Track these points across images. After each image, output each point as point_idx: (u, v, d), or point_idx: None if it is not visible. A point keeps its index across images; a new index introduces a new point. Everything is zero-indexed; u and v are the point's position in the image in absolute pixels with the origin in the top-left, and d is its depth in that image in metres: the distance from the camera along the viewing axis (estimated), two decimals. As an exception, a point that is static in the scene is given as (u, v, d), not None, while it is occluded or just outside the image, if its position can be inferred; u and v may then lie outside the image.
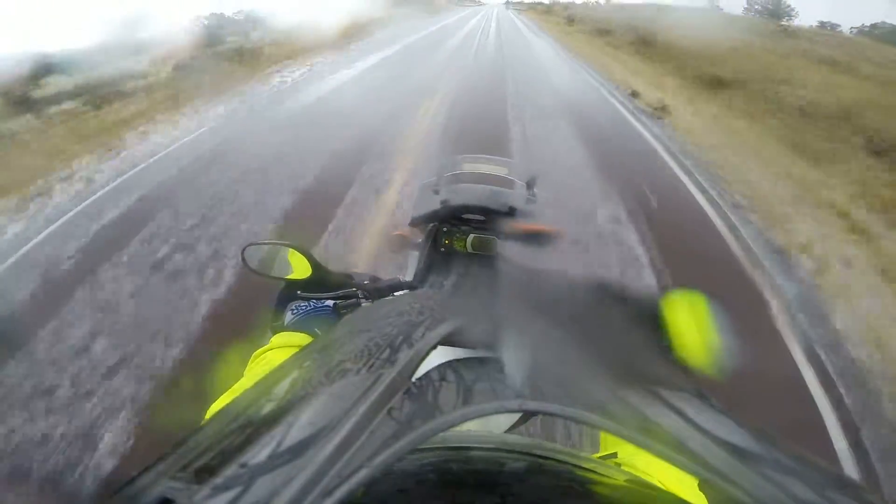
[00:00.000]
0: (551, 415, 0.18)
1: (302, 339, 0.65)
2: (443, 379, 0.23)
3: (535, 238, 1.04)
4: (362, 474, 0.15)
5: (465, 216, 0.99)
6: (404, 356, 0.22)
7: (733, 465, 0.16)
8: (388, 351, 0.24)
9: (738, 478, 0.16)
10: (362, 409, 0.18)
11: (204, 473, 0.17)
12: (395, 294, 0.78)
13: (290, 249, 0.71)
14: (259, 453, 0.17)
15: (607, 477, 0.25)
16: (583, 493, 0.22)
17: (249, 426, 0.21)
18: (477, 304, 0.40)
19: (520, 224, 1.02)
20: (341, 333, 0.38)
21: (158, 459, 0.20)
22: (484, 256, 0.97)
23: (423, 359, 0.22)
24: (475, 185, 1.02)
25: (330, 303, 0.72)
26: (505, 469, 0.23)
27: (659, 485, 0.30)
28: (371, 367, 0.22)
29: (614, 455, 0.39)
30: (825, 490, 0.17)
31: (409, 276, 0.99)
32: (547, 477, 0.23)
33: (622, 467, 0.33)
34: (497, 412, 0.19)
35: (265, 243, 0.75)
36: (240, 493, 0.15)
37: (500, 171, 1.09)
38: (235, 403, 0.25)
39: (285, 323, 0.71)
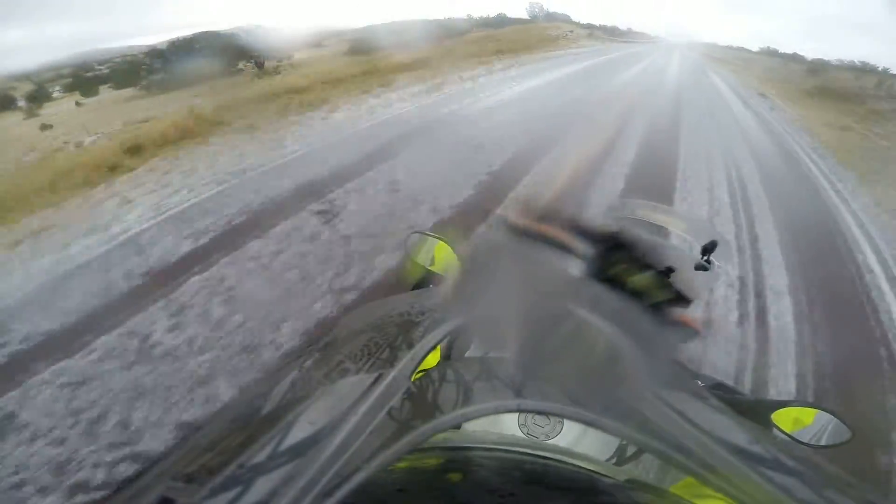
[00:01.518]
0: (551, 415, 0.18)
1: None
2: (443, 379, 0.23)
3: (683, 330, 0.99)
4: (362, 474, 0.15)
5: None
6: (404, 356, 0.22)
7: (733, 465, 0.16)
8: (388, 351, 0.24)
9: (738, 478, 0.16)
10: (362, 409, 0.18)
11: (204, 473, 0.17)
12: None
13: (440, 243, 0.76)
14: (259, 453, 0.17)
15: (607, 477, 0.25)
16: (583, 493, 0.22)
17: (249, 426, 0.21)
18: (479, 306, 0.40)
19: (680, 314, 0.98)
20: (341, 333, 0.38)
21: (159, 460, 0.20)
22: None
23: (423, 359, 0.22)
24: (648, 237, 0.96)
25: None
26: (504, 469, 0.23)
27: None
28: (371, 367, 0.22)
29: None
30: (825, 490, 0.17)
31: None
32: (546, 476, 0.23)
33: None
34: (496, 412, 0.19)
35: (426, 234, 0.80)
36: (240, 493, 0.15)
37: (679, 225, 1.03)
38: (235, 404, 0.25)
39: None
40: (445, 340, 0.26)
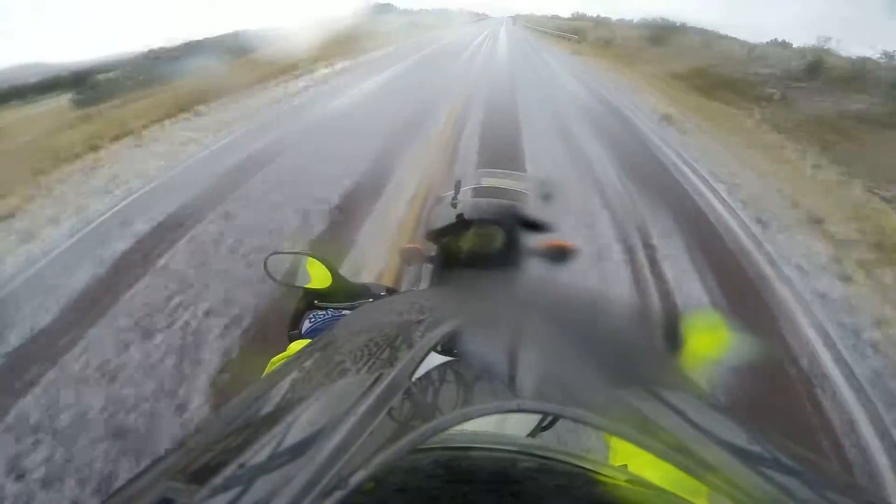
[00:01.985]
0: (551, 415, 0.18)
1: None
2: (443, 379, 0.23)
3: (557, 254, 1.06)
4: (362, 474, 0.15)
5: (479, 229, 0.99)
6: (404, 356, 0.22)
7: (733, 465, 0.16)
8: (388, 351, 0.24)
9: (738, 478, 0.16)
10: (362, 409, 0.18)
11: (204, 473, 0.16)
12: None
13: (310, 258, 0.72)
14: (259, 453, 0.17)
15: (608, 477, 0.25)
16: (583, 493, 0.22)
17: (249, 426, 0.21)
18: (478, 304, 0.40)
19: (543, 241, 1.03)
20: (341, 333, 0.38)
21: (158, 459, 0.20)
22: (490, 253, 0.97)
23: (423, 359, 0.22)
24: (491, 199, 1.04)
25: (346, 313, 0.73)
26: (504, 469, 0.23)
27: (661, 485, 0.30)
28: (371, 367, 0.22)
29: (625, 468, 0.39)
30: (825, 490, 0.17)
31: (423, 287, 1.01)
32: (547, 477, 0.23)
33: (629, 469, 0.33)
34: (496, 412, 0.19)
35: (287, 253, 0.76)
36: (240, 493, 0.15)
37: (518, 185, 1.11)
38: (235, 403, 0.25)
39: (302, 331, 0.72)
40: (445, 340, 0.26)
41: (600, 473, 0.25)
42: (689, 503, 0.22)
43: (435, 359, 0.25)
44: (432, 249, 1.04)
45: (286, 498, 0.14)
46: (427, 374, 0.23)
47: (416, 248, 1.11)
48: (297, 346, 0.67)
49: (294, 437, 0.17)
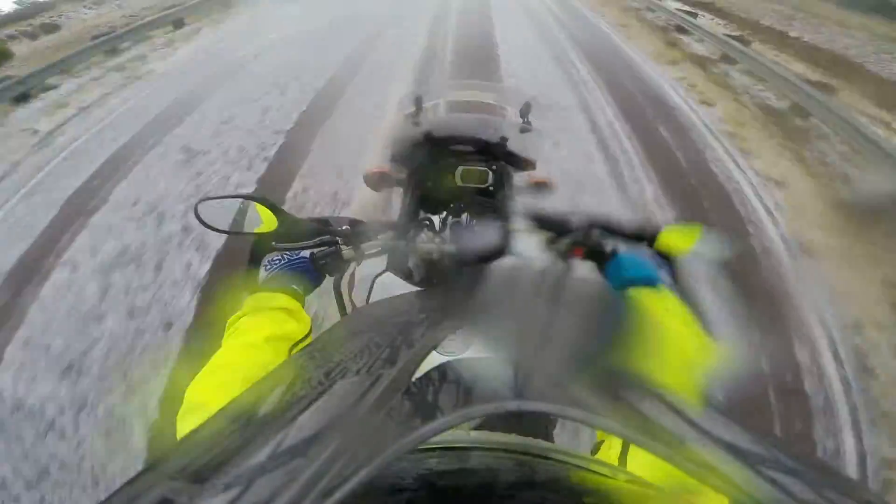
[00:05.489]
0: (551, 415, 0.18)
1: (278, 299, 0.60)
2: (443, 379, 0.23)
3: (538, 189, 0.99)
4: (362, 474, 0.15)
5: (453, 148, 0.89)
6: (404, 356, 0.22)
7: (733, 465, 0.16)
8: (388, 351, 0.24)
9: (738, 478, 0.16)
10: (362, 409, 0.18)
11: (204, 473, 0.16)
12: (380, 237, 0.71)
13: (253, 202, 0.63)
14: (259, 453, 0.17)
15: (608, 477, 0.25)
16: (583, 493, 0.22)
17: (249, 426, 0.21)
18: (478, 303, 0.40)
19: (526, 178, 0.98)
20: (341, 333, 0.38)
21: (158, 459, 0.20)
22: (476, 190, 0.90)
23: (422, 359, 0.22)
24: (462, 114, 0.93)
25: (306, 253, 0.66)
26: (505, 469, 0.23)
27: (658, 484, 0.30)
28: (371, 367, 0.22)
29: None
30: (825, 490, 0.17)
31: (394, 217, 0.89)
32: (547, 477, 0.23)
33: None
34: (496, 412, 0.19)
35: (219, 197, 0.63)
36: (240, 494, 0.15)
37: (490, 97, 1.01)
38: (235, 403, 0.25)
39: (260, 281, 0.64)
40: (445, 340, 0.26)
41: (600, 473, 0.25)
42: (689, 503, 0.22)
43: (435, 359, 0.25)
44: (401, 171, 0.94)
45: (286, 498, 0.14)
46: (427, 374, 0.23)
47: (382, 171, 1.00)
48: (253, 301, 0.60)
49: (294, 437, 0.17)
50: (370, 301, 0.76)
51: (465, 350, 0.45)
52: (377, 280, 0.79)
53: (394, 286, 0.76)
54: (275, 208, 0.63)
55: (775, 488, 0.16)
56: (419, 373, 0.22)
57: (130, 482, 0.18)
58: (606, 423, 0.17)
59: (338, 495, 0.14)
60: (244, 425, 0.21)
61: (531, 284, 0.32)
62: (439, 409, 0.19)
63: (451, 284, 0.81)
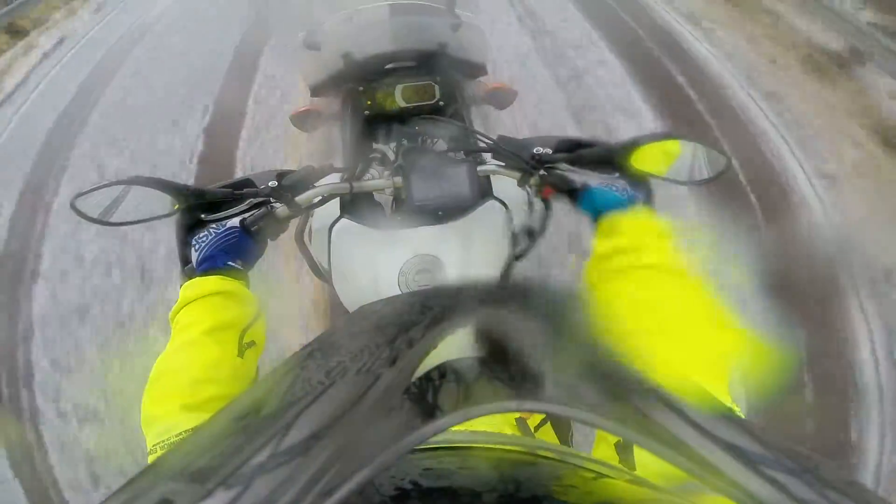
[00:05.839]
0: (551, 414, 0.18)
1: (214, 282, 0.54)
2: (443, 379, 0.23)
3: (499, 98, 0.89)
4: (362, 474, 0.15)
5: (386, 67, 0.77)
6: (404, 356, 0.22)
7: (733, 465, 0.16)
8: (388, 351, 0.24)
9: (738, 478, 0.16)
10: (362, 409, 0.18)
11: (204, 473, 0.16)
12: (317, 185, 0.64)
13: (146, 186, 0.54)
14: (259, 453, 0.17)
15: (608, 477, 0.25)
16: (584, 493, 0.22)
17: (249, 426, 0.21)
18: (478, 302, 0.40)
19: (483, 84, 0.85)
20: (341, 333, 0.38)
21: (158, 460, 0.20)
22: (424, 108, 0.78)
23: (422, 359, 0.22)
24: (378, 22, 0.77)
25: (236, 222, 0.59)
26: (505, 469, 0.23)
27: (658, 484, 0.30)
28: (371, 367, 0.22)
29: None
30: (825, 490, 0.17)
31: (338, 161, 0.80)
32: (548, 476, 0.23)
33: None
34: (497, 412, 0.19)
35: (99, 188, 0.54)
36: (240, 494, 0.15)
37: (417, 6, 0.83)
38: (235, 403, 0.25)
39: (196, 265, 0.58)
40: (446, 339, 0.26)
41: (601, 473, 0.25)
42: (690, 503, 0.22)
43: (435, 359, 0.25)
44: (331, 104, 0.81)
45: (286, 498, 0.14)
46: (427, 374, 0.23)
47: (310, 109, 0.90)
48: (188, 290, 0.54)
49: (294, 437, 0.17)
50: (332, 252, 0.69)
51: (465, 350, 0.45)
52: (336, 228, 0.70)
53: (364, 233, 0.68)
54: (173, 187, 0.55)
55: (775, 488, 0.16)
56: (419, 373, 0.22)
57: (130, 482, 0.18)
58: (607, 423, 0.17)
59: (338, 495, 0.14)
60: (244, 425, 0.21)
61: (530, 287, 0.32)
62: (439, 409, 0.19)
63: (422, 220, 0.68)
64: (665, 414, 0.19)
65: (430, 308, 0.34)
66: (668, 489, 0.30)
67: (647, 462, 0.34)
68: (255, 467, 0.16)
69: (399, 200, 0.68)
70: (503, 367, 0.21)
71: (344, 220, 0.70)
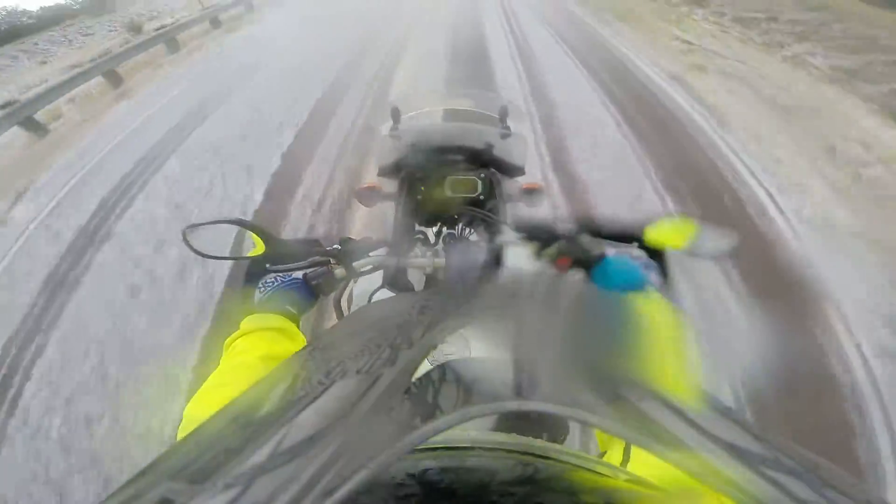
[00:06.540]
0: (551, 414, 0.18)
1: (273, 319, 0.62)
2: (443, 379, 0.23)
3: (529, 195, 0.99)
4: (362, 474, 0.15)
5: (441, 159, 0.89)
6: (404, 356, 0.22)
7: (733, 465, 0.16)
8: (388, 351, 0.24)
9: (738, 478, 0.16)
10: (362, 409, 0.18)
11: (204, 473, 0.16)
12: (371, 255, 0.72)
13: (242, 227, 0.63)
14: (259, 453, 0.17)
15: (608, 477, 0.25)
16: (584, 493, 0.22)
17: (249, 426, 0.21)
18: (478, 304, 0.40)
19: (518, 183, 0.95)
20: (341, 333, 0.38)
21: (158, 460, 0.20)
22: (467, 200, 0.89)
23: (423, 359, 0.22)
24: (443, 124, 0.93)
25: (300, 274, 0.68)
26: (504, 469, 0.23)
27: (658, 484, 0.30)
28: (371, 367, 0.22)
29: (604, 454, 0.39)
30: (825, 490, 0.17)
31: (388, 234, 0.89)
32: (547, 477, 0.23)
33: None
34: (497, 412, 0.19)
35: (208, 223, 0.64)
36: (240, 493, 0.15)
37: (466, 104, 1.01)
38: (235, 403, 0.25)
39: (255, 303, 0.66)
40: (446, 338, 0.26)
41: (600, 473, 0.25)
42: (689, 503, 0.22)
43: (435, 359, 0.25)
44: (391, 185, 0.93)
45: (286, 498, 0.14)
46: (427, 374, 0.23)
47: (372, 187, 1.00)
48: (249, 322, 0.61)
49: (294, 437, 0.17)
50: None
51: (465, 350, 0.45)
52: (374, 296, 0.80)
53: None
54: (263, 232, 0.65)
55: (775, 488, 0.16)
56: (419, 373, 0.22)
57: (130, 482, 0.18)
58: (607, 423, 0.17)
59: (338, 495, 0.14)
60: (244, 425, 0.21)
61: (530, 287, 0.32)
62: (439, 409, 0.19)
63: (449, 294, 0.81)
64: (665, 414, 0.19)
65: (430, 308, 0.34)
66: (668, 489, 0.30)
67: (647, 462, 0.34)
68: (255, 467, 0.16)
69: (430, 278, 0.77)
70: (503, 368, 0.21)
71: (384, 290, 0.79)
